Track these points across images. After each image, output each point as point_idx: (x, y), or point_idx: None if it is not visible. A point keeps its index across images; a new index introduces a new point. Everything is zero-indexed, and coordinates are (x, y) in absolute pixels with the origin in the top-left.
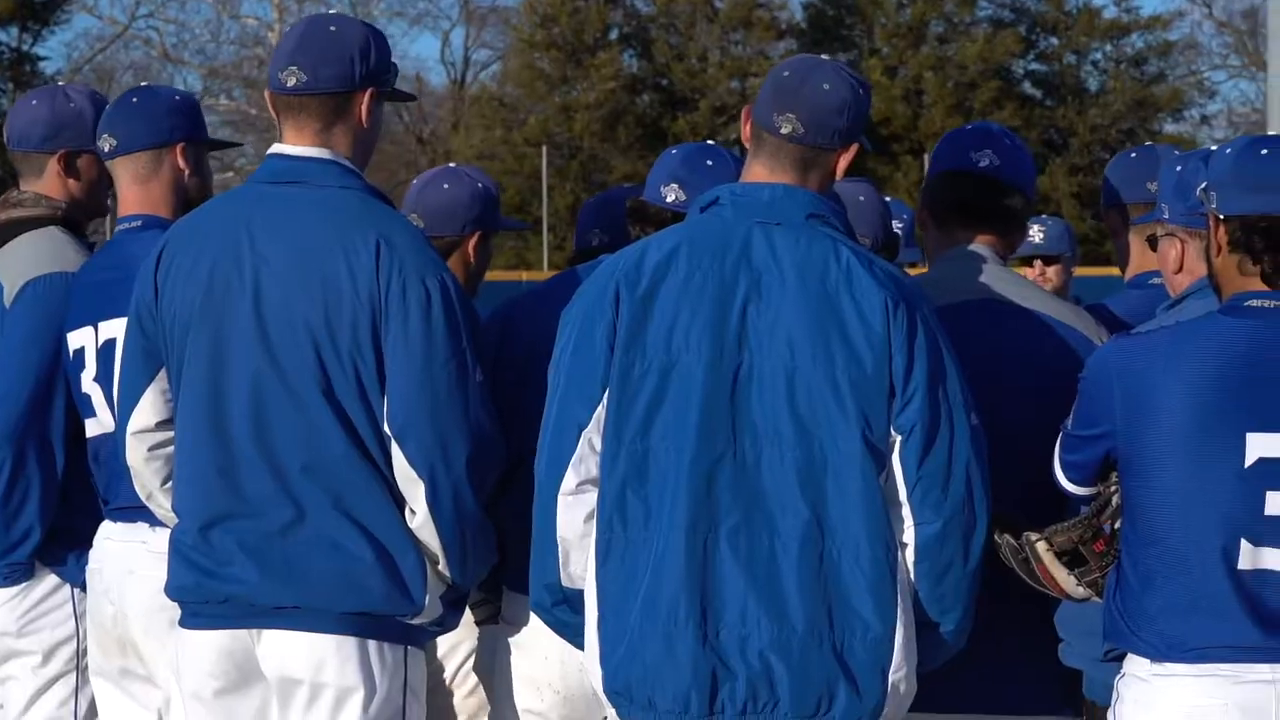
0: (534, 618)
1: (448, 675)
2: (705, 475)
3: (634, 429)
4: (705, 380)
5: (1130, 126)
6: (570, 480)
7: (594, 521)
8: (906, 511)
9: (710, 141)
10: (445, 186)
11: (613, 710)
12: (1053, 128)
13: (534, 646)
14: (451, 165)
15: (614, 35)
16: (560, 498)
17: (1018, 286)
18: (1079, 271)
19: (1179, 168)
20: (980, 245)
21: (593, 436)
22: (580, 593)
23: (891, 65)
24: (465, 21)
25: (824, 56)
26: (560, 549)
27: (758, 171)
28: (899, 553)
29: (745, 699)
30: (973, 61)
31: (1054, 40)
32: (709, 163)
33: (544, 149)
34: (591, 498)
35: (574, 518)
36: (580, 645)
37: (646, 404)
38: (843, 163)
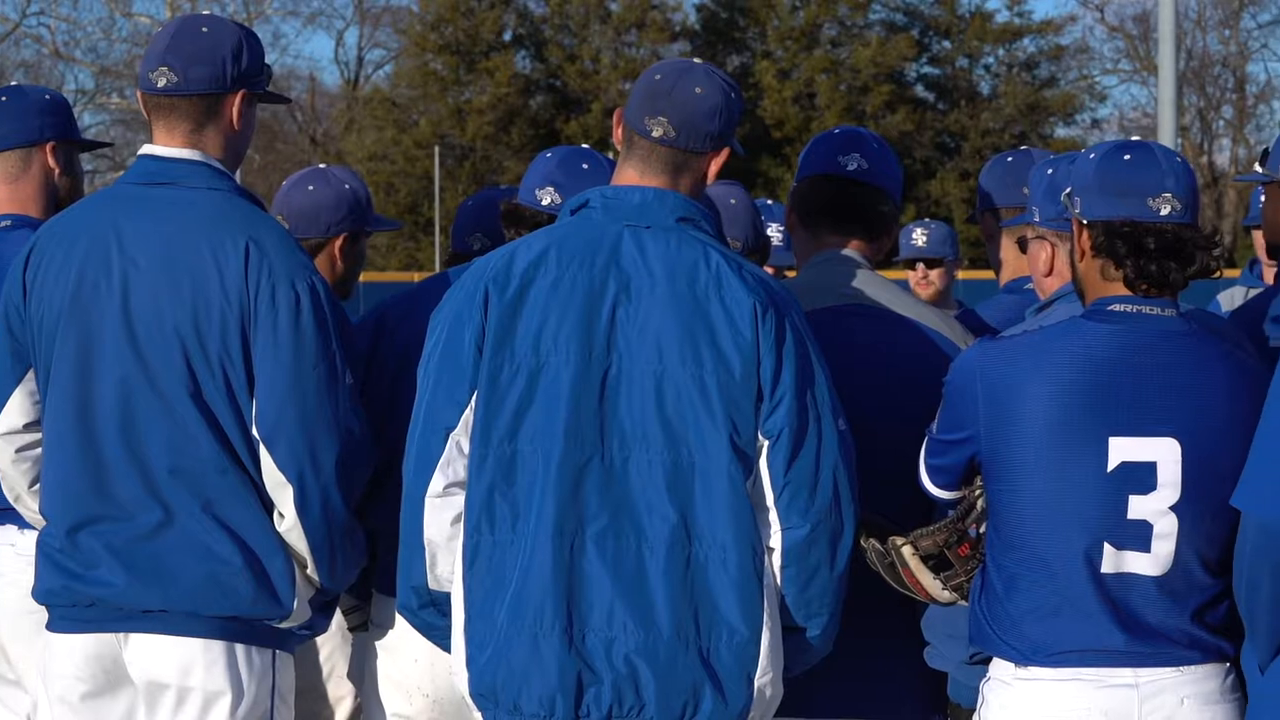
0: (403, 620)
1: (319, 680)
2: (573, 478)
3: (502, 432)
4: (573, 383)
5: (1022, 130)
6: (438, 483)
7: (461, 524)
8: (773, 516)
9: (585, 146)
10: (310, 188)
11: (479, 714)
12: (945, 131)
13: (403, 650)
14: (321, 166)
15: (507, 37)
16: (427, 500)
17: (886, 292)
18: (967, 275)
19: (1050, 171)
20: (849, 249)
21: (460, 439)
22: (447, 595)
23: (784, 68)
24: (359, 21)
25: (696, 60)
26: (427, 551)
27: (629, 174)
28: (766, 557)
29: (611, 703)
30: (865, 65)
31: (947, 44)
32: (584, 166)
33: (436, 150)
34: (459, 500)
35: (441, 520)
36: (447, 648)
37: (514, 407)
38: (714, 166)
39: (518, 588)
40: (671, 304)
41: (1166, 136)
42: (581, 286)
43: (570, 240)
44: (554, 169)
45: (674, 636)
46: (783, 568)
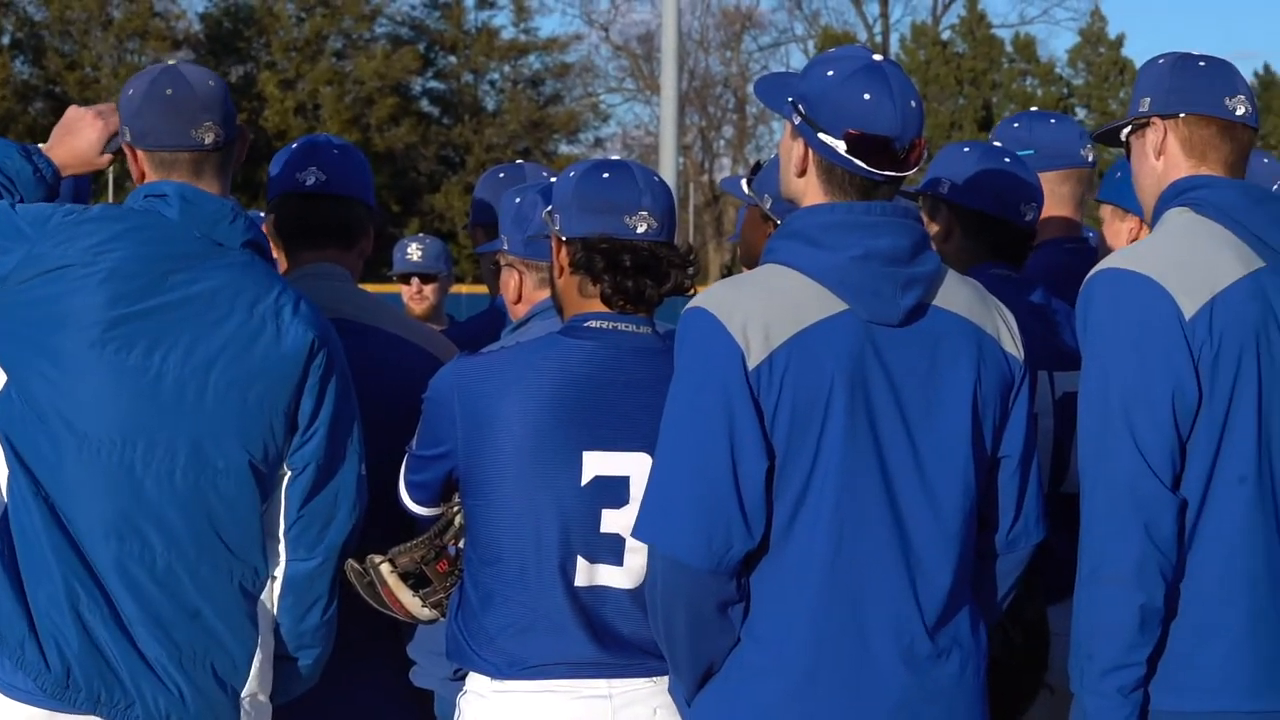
0: None
1: None
2: (102, 473)
3: (48, 404)
4: (125, 380)
5: (526, 146)
6: None
7: None
8: (282, 547)
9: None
10: None
11: None
12: (450, 145)
13: None
14: None
15: (5, 41)
16: None
17: (366, 306)
18: (470, 290)
19: (517, 200)
20: (326, 263)
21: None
22: None
23: (288, 78)
24: None
25: (168, 63)
26: None
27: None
28: (268, 584)
29: (99, 691)
30: (370, 77)
31: (453, 59)
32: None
33: None
34: None
35: None
36: None
37: (66, 384)
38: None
39: (51, 574)
40: (228, 323)
41: (668, 155)
42: (145, 278)
43: (142, 233)
44: None
45: (162, 650)
46: (281, 597)
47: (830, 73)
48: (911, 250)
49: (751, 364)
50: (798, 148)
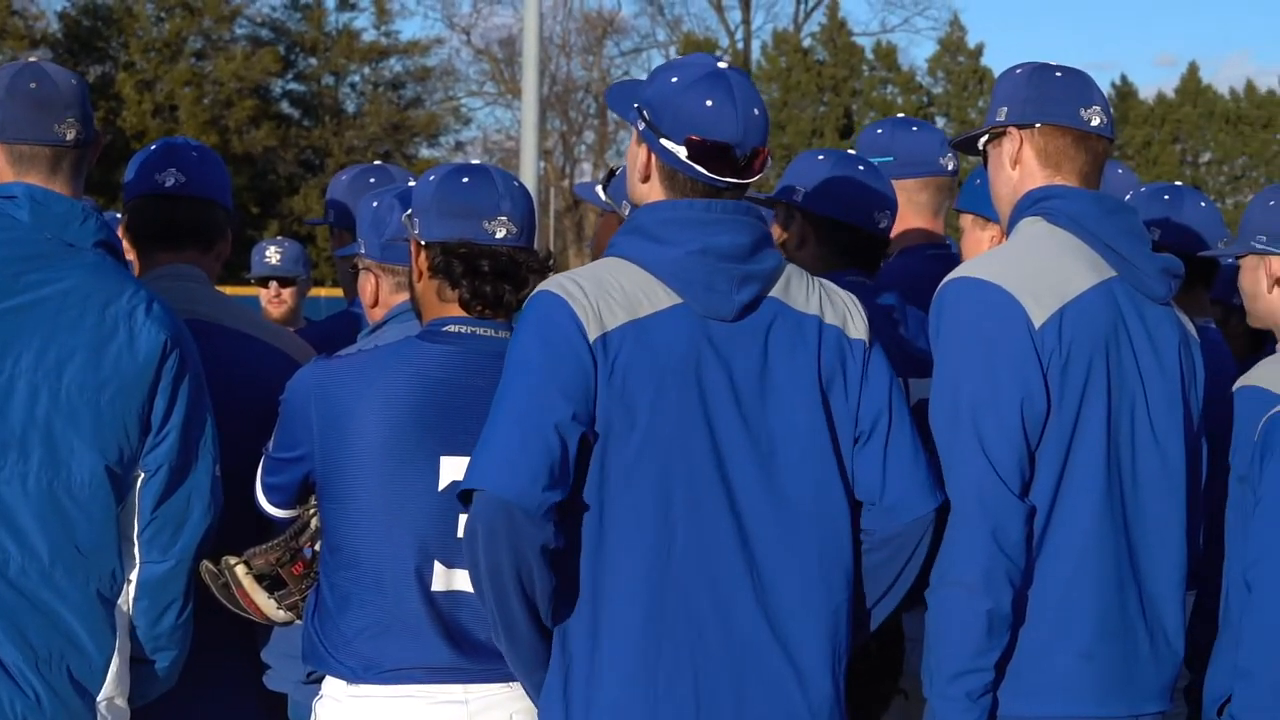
0: None
1: None
2: None
3: None
4: None
5: (387, 150)
6: None
7: None
8: (137, 549)
9: None
10: None
11: None
12: (310, 148)
13: None
14: None
15: None
16: None
17: (222, 308)
18: (330, 293)
19: (375, 204)
20: (183, 264)
21: None
22: None
23: (147, 80)
24: None
25: (29, 60)
26: None
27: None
28: (124, 587)
29: None
30: (229, 79)
31: (313, 61)
32: None
33: None
34: None
35: None
36: None
37: None
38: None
39: None
40: (80, 324)
41: (529, 159)
42: None
43: None
44: None
45: (18, 653)
46: (136, 600)
47: (674, 79)
48: (751, 247)
49: (591, 336)
50: (642, 153)
